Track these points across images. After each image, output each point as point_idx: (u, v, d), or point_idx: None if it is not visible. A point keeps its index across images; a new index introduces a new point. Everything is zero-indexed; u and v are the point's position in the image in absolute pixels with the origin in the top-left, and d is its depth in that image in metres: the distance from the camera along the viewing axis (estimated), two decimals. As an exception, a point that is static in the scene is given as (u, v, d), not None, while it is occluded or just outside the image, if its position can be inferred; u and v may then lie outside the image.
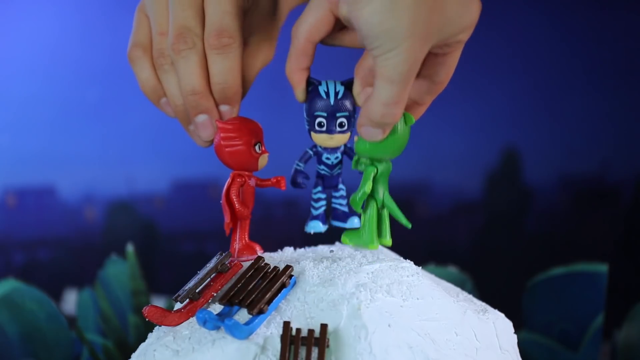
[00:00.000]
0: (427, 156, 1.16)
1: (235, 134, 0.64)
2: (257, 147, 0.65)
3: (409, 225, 0.62)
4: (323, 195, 0.68)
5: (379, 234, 0.63)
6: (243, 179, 0.65)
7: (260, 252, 0.67)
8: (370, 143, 0.61)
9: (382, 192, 0.63)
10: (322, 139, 0.65)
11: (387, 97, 0.58)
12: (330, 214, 0.68)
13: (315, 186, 0.68)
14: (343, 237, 0.63)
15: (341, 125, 0.64)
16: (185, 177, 1.21)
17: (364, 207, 0.63)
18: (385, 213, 0.63)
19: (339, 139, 0.65)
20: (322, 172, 0.67)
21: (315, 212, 0.68)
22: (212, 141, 0.67)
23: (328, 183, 0.67)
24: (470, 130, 1.15)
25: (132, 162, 1.21)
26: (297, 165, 0.68)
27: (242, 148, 0.64)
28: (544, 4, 1.14)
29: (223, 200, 0.65)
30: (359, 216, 0.66)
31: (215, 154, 0.66)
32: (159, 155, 1.21)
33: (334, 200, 0.68)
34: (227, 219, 0.65)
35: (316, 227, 0.68)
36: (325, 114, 0.64)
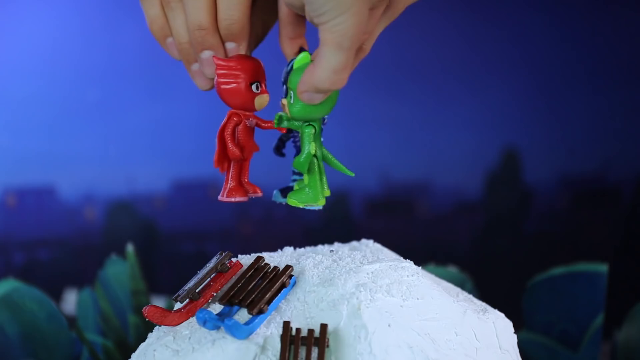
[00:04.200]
0: (428, 156, 1.16)
1: (231, 70, 0.63)
2: (254, 86, 0.63)
3: (352, 174, 0.62)
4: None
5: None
6: (239, 118, 0.63)
7: (254, 195, 0.65)
8: (305, 106, 0.60)
9: (320, 149, 0.63)
10: (282, 104, 0.64)
11: (336, 64, 0.56)
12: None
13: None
14: (288, 199, 0.63)
15: None
16: (185, 177, 1.21)
17: None
18: (322, 166, 0.63)
19: None
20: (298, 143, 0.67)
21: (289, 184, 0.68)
22: (213, 84, 0.65)
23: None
24: (470, 130, 1.15)
25: (132, 162, 1.21)
26: (283, 135, 0.68)
27: (236, 86, 0.63)
28: (545, 4, 1.14)
29: (217, 138, 0.63)
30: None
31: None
32: (159, 155, 1.21)
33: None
34: (215, 155, 0.63)
35: (276, 196, 0.67)
36: (283, 80, 0.64)
